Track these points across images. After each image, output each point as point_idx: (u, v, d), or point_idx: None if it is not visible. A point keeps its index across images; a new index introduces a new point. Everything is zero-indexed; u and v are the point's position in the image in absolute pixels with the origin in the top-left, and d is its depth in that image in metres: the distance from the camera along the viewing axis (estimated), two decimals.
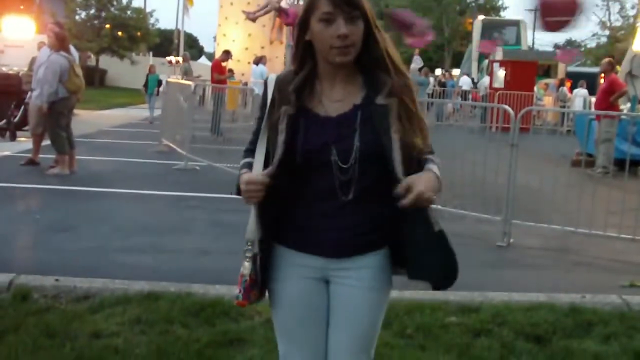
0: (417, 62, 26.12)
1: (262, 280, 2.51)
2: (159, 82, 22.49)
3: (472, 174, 8.44)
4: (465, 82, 32.06)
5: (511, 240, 7.64)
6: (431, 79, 29.30)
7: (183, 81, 15.47)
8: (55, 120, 10.67)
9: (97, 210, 8.39)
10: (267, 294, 2.59)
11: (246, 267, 2.48)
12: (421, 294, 5.28)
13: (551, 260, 7.24)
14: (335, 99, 2.44)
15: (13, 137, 14.69)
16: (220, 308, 4.84)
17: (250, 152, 2.53)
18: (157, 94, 22.13)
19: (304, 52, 2.45)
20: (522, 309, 5.16)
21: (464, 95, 29.17)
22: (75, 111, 12.50)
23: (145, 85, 22.97)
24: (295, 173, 2.42)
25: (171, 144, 13.63)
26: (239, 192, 2.43)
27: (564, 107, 24.05)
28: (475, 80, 32.60)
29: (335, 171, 2.39)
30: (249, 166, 2.48)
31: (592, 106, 17.86)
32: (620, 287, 5.98)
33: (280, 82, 2.47)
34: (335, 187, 2.40)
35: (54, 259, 6.14)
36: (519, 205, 7.96)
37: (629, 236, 7.61)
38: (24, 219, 7.79)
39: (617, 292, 5.77)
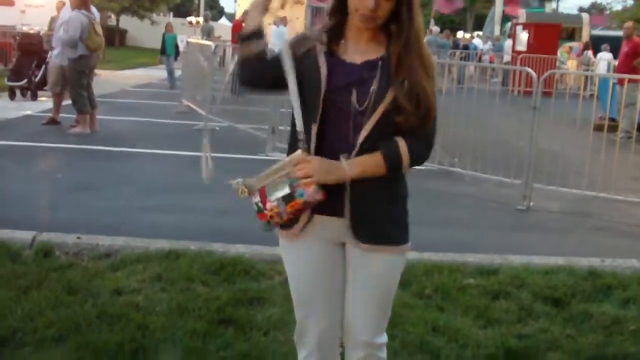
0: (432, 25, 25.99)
1: None
2: (177, 47, 20.66)
3: (493, 137, 8.41)
4: (479, 44, 31.69)
5: (531, 204, 7.62)
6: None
7: (204, 42, 15.40)
8: (76, 79, 10.70)
9: (118, 170, 8.45)
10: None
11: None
12: (440, 255, 5.29)
13: (571, 224, 7.21)
14: (360, 50, 2.48)
15: (34, 97, 14.75)
16: (240, 267, 4.88)
17: None
18: (176, 58, 20.59)
19: (339, 2, 2.47)
20: (541, 272, 5.16)
21: (480, 58, 28.87)
22: (97, 71, 12.53)
23: (163, 47, 20.72)
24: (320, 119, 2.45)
25: (191, 105, 13.64)
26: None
27: (587, 71, 23.75)
28: (493, 45, 32.08)
29: (352, 113, 2.41)
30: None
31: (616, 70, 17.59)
32: None
33: (294, 42, 2.52)
34: (350, 131, 2.42)
35: (76, 217, 6.20)
36: (539, 168, 7.92)
37: None
38: (46, 177, 7.85)
39: (637, 257, 5.75)
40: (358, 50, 2.48)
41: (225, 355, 3.67)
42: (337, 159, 2.41)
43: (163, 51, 20.57)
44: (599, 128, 11.01)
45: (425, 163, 2.53)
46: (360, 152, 2.41)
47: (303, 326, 2.63)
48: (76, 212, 6.42)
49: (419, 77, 2.39)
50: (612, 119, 11.93)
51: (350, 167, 2.40)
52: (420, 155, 2.49)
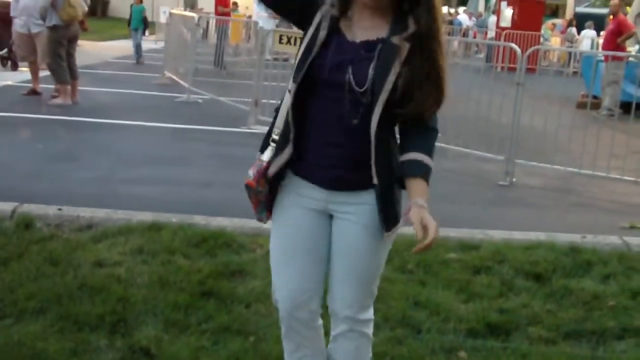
0: None
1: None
2: (145, 20, 19.52)
3: (476, 112, 8.41)
4: (464, 20, 31.63)
5: (513, 180, 7.65)
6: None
7: (187, 13, 15.26)
8: (53, 49, 10.53)
9: (100, 141, 8.38)
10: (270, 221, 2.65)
11: (267, 154, 2.52)
12: None
13: (553, 200, 7.25)
14: (363, 26, 2.42)
15: (15, 67, 14.57)
16: (222, 240, 4.87)
17: None
18: (144, 32, 19.50)
19: None
20: (522, 247, 5.18)
21: (464, 34, 28.84)
22: (78, 42, 12.38)
23: (130, 19, 19.57)
24: (312, 94, 2.43)
25: (174, 77, 13.54)
26: None
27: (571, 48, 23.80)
28: (476, 20, 31.98)
29: (347, 93, 2.37)
30: None
31: (600, 48, 17.65)
32: (621, 229, 6.00)
33: None
34: (345, 110, 2.39)
35: (57, 188, 6.16)
36: (522, 145, 7.95)
37: (632, 178, 7.65)
38: (27, 148, 7.78)
39: (617, 233, 5.80)
40: (360, 23, 2.42)
41: (206, 328, 3.67)
42: (334, 136, 2.41)
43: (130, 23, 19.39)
44: (581, 105, 11.06)
45: None
46: (377, 143, 2.38)
47: (274, 287, 2.64)
48: (57, 183, 6.37)
49: (440, 61, 2.39)
50: (595, 97, 11.97)
51: (424, 203, 2.40)
52: (434, 146, 2.50)
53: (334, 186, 2.48)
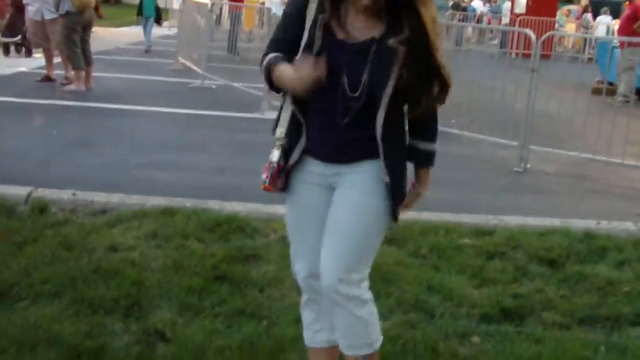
0: None
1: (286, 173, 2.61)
2: (157, 8, 18.66)
3: (490, 99, 8.37)
4: (478, 7, 31.45)
5: (528, 166, 7.62)
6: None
7: None
8: (67, 35, 10.54)
9: (114, 127, 8.39)
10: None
11: (275, 154, 2.55)
12: (436, 215, 5.28)
13: (567, 186, 7.22)
14: (356, 27, 2.44)
15: (29, 53, 14.61)
16: (235, 224, 4.88)
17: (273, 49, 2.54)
18: (159, 22, 18.99)
19: None
20: (536, 233, 5.16)
21: (478, 20, 28.68)
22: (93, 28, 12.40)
23: (140, 9, 18.64)
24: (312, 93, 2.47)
25: (187, 63, 13.55)
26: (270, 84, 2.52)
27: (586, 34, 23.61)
28: (490, 6, 31.79)
29: (343, 95, 2.42)
30: (283, 60, 2.48)
31: (616, 34, 17.50)
32: (636, 215, 5.96)
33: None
34: (339, 110, 2.45)
35: (71, 173, 6.18)
36: (536, 131, 7.91)
37: None
38: (41, 134, 7.82)
39: (632, 220, 5.76)
40: (354, 23, 2.44)
41: (220, 311, 3.68)
42: (334, 125, 2.47)
43: (140, 12, 18.61)
44: (596, 91, 10.97)
45: None
46: (384, 143, 2.45)
47: (292, 262, 2.73)
48: (72, 168, 6.40)
49: (437, 59, 2.42)
50: (610, 83, 11.88)
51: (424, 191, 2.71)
52: (436, 129, 2.65)
53: (332, 159, 2.54)
